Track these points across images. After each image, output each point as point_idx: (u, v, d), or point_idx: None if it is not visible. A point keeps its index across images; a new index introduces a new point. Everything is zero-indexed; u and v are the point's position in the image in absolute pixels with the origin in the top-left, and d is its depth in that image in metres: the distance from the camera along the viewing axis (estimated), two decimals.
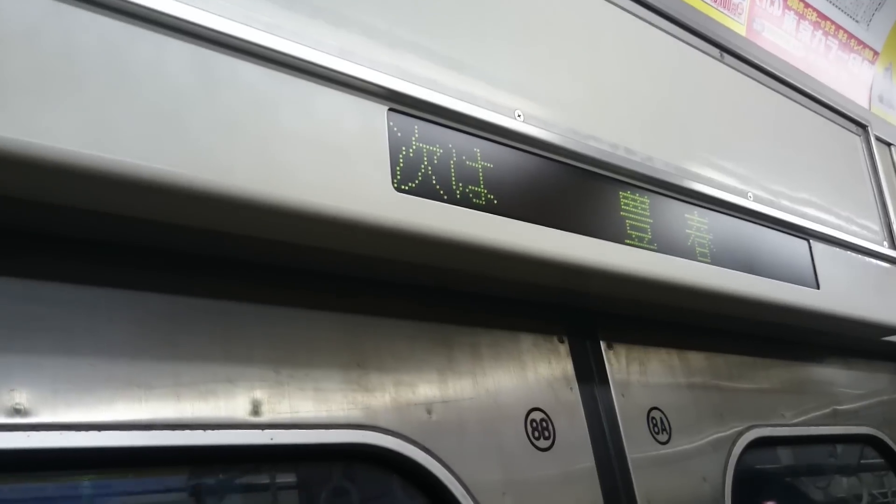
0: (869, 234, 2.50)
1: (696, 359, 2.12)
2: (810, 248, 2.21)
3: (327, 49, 1.24)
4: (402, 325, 1.50)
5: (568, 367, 1.77)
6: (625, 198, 1.69)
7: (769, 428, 2.22)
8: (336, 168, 1.21)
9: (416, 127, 1.34)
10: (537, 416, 1.65)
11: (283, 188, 1.15)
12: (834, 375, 2.63)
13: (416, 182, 1.31)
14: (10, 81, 0.93)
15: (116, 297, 1.17)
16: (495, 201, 1.42)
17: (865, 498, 2.77)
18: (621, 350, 1.91)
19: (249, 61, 1.15)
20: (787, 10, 2.63)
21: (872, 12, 2.96)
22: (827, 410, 2.52)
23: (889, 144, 3.07)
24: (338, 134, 1.23)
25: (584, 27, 1.77)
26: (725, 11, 2.40)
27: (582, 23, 1.77)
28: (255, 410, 1.25)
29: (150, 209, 1.10)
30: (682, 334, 2.09)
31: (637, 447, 1.80)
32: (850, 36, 2.92)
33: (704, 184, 1.90)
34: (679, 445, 1.91)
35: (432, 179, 1.33)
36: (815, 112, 2.49)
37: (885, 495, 2.76)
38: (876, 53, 3.07)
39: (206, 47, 1.11)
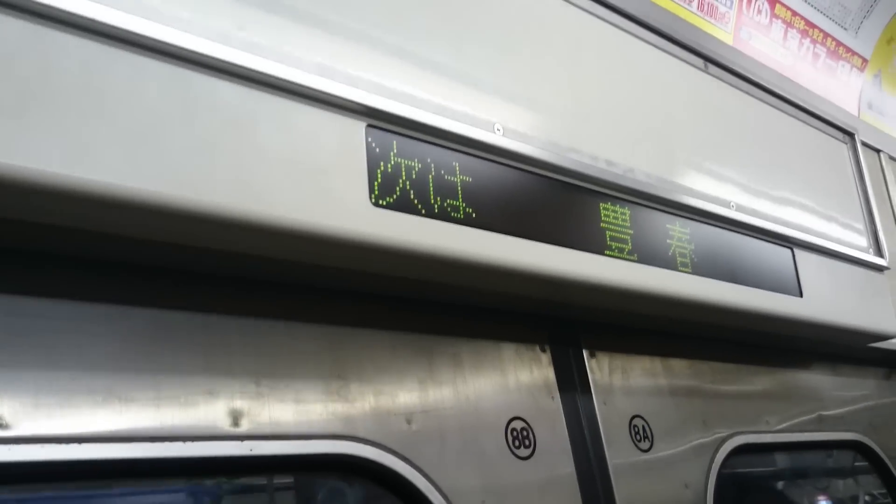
0: (854, 242, 2.52)
1: (680, 366, 2.14)
2: (794, 256, 2.23)
3: (305, 67, 1.26)
4: (382, 335, 1.52)
5: (549, 375, 1.79)
6: (605, 209, 1.71)
7: (753, 434, 2.24)
8: (314, 184, 1.24)
9: (394, 142, 1.36)
10: (518, 424, 1.67)
11: (260, 205, 1.17)
12: (820, 381, 2.65)
13: (394, 197, 1.33)
14: None
15: (98, 311, 1.19)
16: (473, 214, 1.44)
17: None
18: (604, 358, 1.93)
19: (227, 80, 1.17)
20: (774, 19, 2.65)
21: (861, 20, 2.98)
22: (813, 416, 2.54)
23: (878, 151, 3.09)
24: (316, 150, 1.25)
25: (565, 40, 1.79)
26: (712, 20, 2.42)
27: (563, 35, 1.78)
28: (235, 422, 1.27)
29: (130, 227, 1.12)
30: (666, 341, 2.11)
31: (618, 455, 1.82)
32: (839, 44, 2.94)
33: (686, 194, 1.92)
34: (661, 452, 1.93)
35: (410, 194, 1.36)
36: (802, 121, 2.50)
37: (871, 501, 2.77)
38: (865, 61, 3.09)
39: (184, 67, 1.13)
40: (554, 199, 1.61)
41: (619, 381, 1.94)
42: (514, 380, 1.71)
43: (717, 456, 2.09)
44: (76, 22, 1.03)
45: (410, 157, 1.38)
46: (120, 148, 1.05)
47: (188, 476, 1.27)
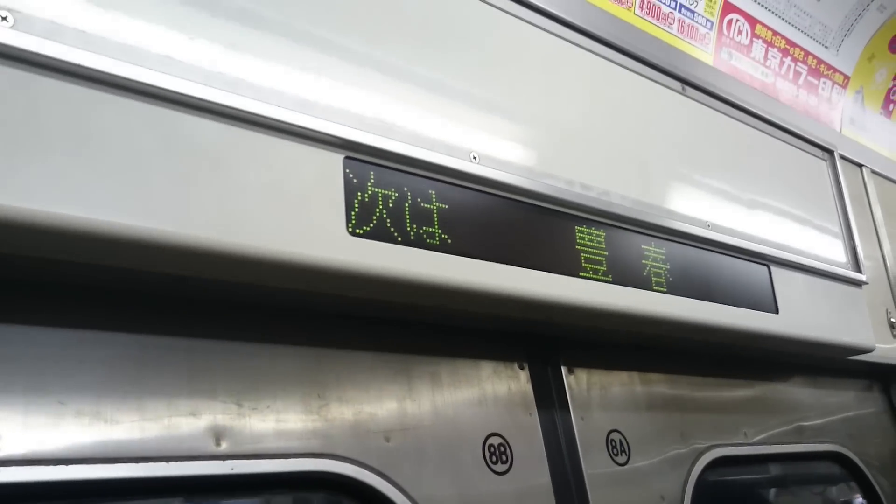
0: (832, 258, 2.57)
1: (658, 380, 2.19)
2: (770, 273, 2.28)
3: (284, 103, 1.31)
4: (361, 356, 1.58)
5: (527, 392, 1.84)
6: (580, 232, 1.76)
7: (731, 447, 2.29)
8: (292, 215, 1.29)
9: (371, 172, 1.42)
10: (495, 440, 1.72)
11: (241, 236, 1.22)
12: (799, 393, 2.70)
13: (371, 226, 1.38)
14: None
15: (85, 337, 1.25)
16: (449, 241, 1.50)
17: None
18: (582, 374, 1.98)
19: (208, 118, 1.22)
20: (755, 39, 2.71)
21: (842, 38, 3.03)
22: (791, 427, 2.59)
23: (860, 165, 3.15)
24: (295, 182, 1.31)
25: (541, 67, 1.84)
26: (692, 42, 2.48)
27: (538, 63, 1.83)
28: (217, 442, 1.33)
29: (116, 259, 1.17)
30: (644, 356, 2.16)
31: (595, 468, 1.87)
32: (820, 61, 3.00)
33: (662, 215, 1.97)
34: (637, 465, 1.98)
35: (387, 222, 1.41)
36: (781, 139, 2.55)
37: None
38: (847, 77, 3.14)
39: (165, 107, 1.18)
40: (529, 223, 1.66)
41: (596, 396, 1.99)
42: (491, 397, 1.77)
43: (695, 468, 2.14)
44: (62, 67, 1.08)
45: (387, 187, 1.43)
46: (106, 185, 1.10)
47: (172, 495, 1.32)
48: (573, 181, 1.78)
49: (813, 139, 2.67)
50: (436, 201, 1.51)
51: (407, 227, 1.44)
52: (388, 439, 1.54)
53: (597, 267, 1.77)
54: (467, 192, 1.57)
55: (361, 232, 1.37)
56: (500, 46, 1.76)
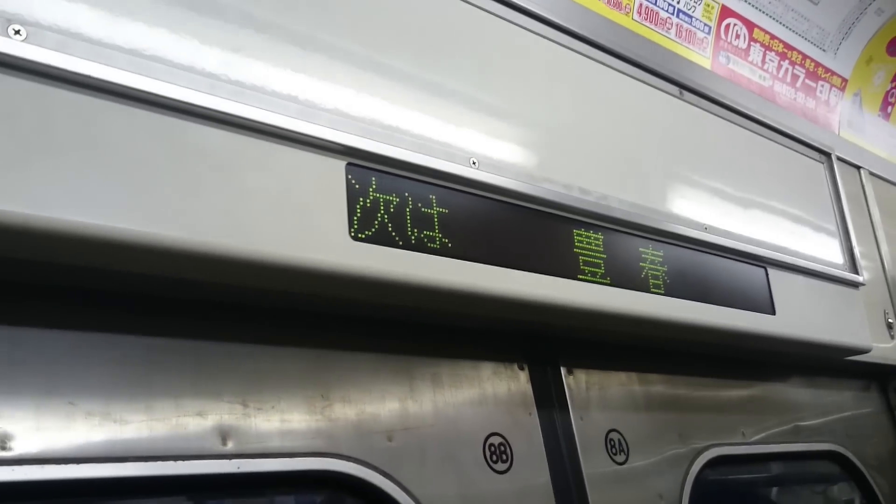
0: (830, 259, 2.60)
1: (657, 381, 2.22)
2: (767, 275, 2.30)
3: (287, 111, 1.35)
4: (364, 357, 1.61)
5: (527, 392, 1.88)
6: (578, 235, 1.79)
7: (729, 446, 2.32)
8: (296, 220, 1.32)
9: (373, 178, 1.45)
10: (496, 440, 1.75)
11: (246, 241, 1.26)
12: (797, 393, 2.72)
13: (373, 230, 1.42)
14: None
15: (94, 339, 1.28)
16: (449, 245, 1.53)
17: None
18: (581, 375, 2.01)
19: (214, 126, 1.26)
20: (753, 43, 2.74)
21: (839, 42, 3.06)
22: (789, 427, 2.62)
23: (858, 167, 3.17)
24: (298, 189, 1.34)
25: (540, 73, 1.87)
26: (690, 46, 2.51)
27: (537, 68, 1.87)
28: (224, 441, 1.36)
29: (124, 263, 1.21)
30: (643, 357, 2.19)
31: (594, 467, 1.90)
32: (818, 64, 3.03)
33: (659, 219, 2.00)
34: (636, 464, 2.01)
35: (388, 227, 1.44)
36: (778, 142, 2.58)
37: None
38: (844, 80, 3.17)
39: (173, 116, 1.22)
40: (528, 227, 1.69)
41: (595, 396, 2.02)
42: (492, 397, 1.80)
43: (693, 468, 2.17)
44: (73, 79, 1.12)
45: (388, 192, 1.47)
46: (115, 192, 1.14)
47: (179, 493, 1.35)
48: (571, 185, 1.81)
49: (810, 142, 2.70)
50: (436, 206, 1.54)
51: (408, 231, 1.47)
52: (390, 439, 1.58)
53: (595, 270, 1.80)
54: (467, 196, 1.60)
55: (363, 236, 1.40)
56: (499, 53, 1.79)
